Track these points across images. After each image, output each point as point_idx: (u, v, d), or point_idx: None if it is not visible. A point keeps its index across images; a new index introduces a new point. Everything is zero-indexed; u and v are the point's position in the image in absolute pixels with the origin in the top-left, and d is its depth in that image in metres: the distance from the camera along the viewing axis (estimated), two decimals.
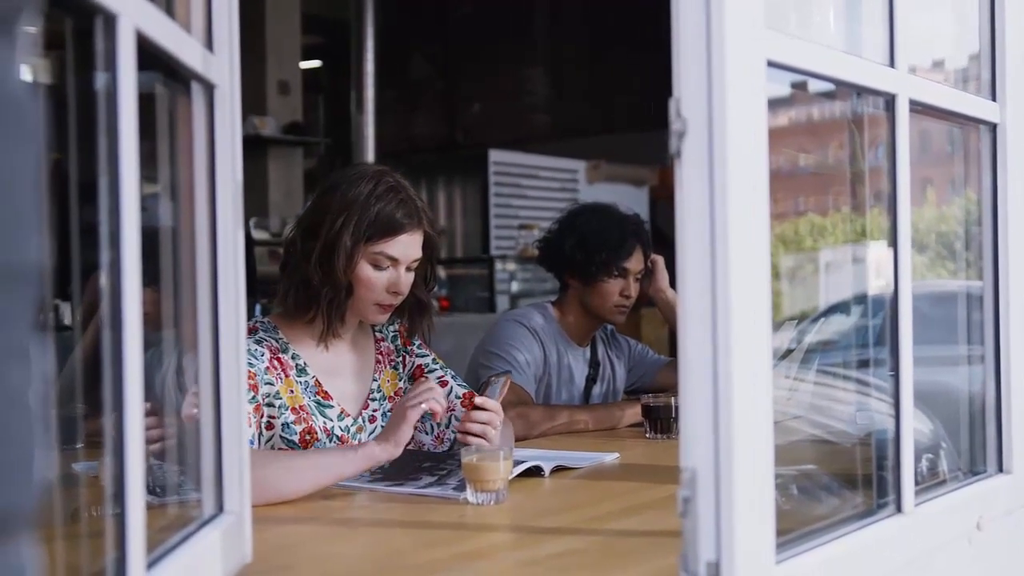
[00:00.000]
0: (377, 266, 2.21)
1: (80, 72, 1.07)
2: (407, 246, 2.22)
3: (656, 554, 1.54)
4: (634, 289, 3.04)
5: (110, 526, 1.05)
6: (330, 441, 2.22)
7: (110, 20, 1.00)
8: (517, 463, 2.05)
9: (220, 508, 1.39)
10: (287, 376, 2.21)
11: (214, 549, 1.31)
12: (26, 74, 0.58)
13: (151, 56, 1.13)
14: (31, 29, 0.60)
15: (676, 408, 2.66)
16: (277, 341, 2.23)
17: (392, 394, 2.38)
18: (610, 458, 2.36)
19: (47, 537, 0.87)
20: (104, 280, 1.02)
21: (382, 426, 2.30)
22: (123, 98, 1.02)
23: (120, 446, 1.02)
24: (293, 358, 2.24)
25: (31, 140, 0.57)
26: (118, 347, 1.02)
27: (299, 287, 2.22)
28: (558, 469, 2.20)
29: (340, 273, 2.18)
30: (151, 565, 1.11)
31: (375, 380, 2.36)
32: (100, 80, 1.03)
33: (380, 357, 2.39)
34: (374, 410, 2.34)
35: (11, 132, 0.56)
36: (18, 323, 0.57)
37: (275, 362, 2.19)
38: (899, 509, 1.52)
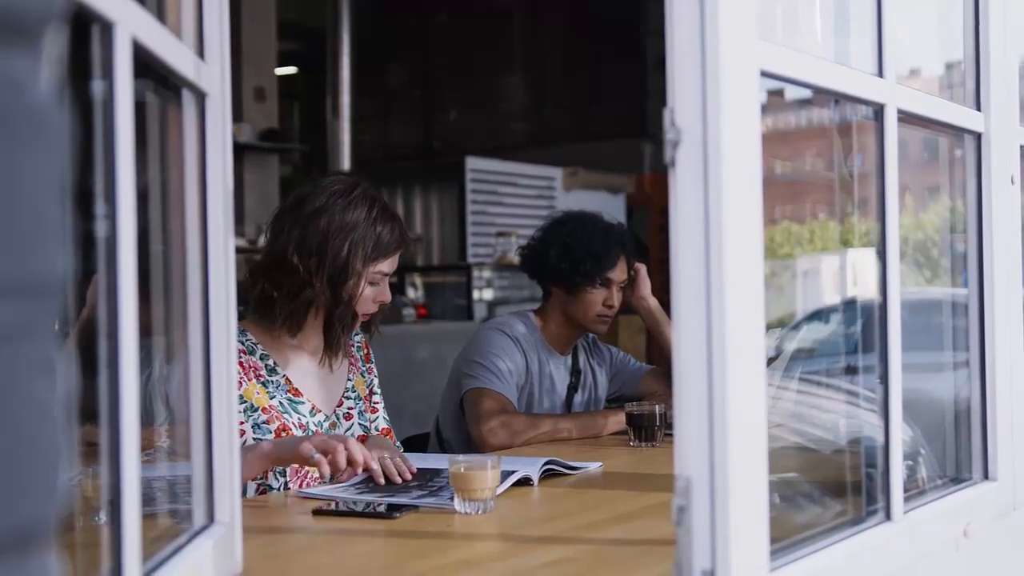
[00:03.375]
0: (373, 283, 2.32)
1: (73, 79, 1.06)
2: (396, 261, 2.37)
3: (648, 562, 1.55)
4: (617, 299, 3.04)
5: (103, 537, 1.04)
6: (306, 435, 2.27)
7: (107, 28, 1.00)
8: (505, 474, 2.05)
9: (211, 519, 1.38)
10: (251, 379, 2.26)
11: (206, 560, 1.30)
12: (51, 85, 0.58)
13: (143, 64, 1.13)
14: (56, 41, 0.60)
15: (660, 416, 2.66)
16: (243, 343, 2.25)
17: (364, 396, 2.47)
18: (594, 467, 2.36)
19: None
20: (101, 286, 1.01)
21: (359, 423, 2.42)
22: (120, 106, 1.01)
23: (116, 456, 1.01)
24: (262, 359, 2.30)
25: (57, 151, 0.57)
26: (114, 356, 1.01)
27: (303, 308, 2.28)
28: (548, 474, 2.20)
29: (351, 296, 2.28)
30: None
31: (349, 380, 2.45)
32: (96, 87, 1.02)
33: (352, 360, 2.48)
34: (349, 408, 2.43)
35: (37, 144, 0.55)
36: (43, 334, 0.57)
37: (238, 365, 2.20)
38: (888, 517, 1.53)
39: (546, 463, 2.21)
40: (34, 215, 0.55)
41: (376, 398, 2.53)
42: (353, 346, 2.50)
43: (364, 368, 2.51)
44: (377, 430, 2.43)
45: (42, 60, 0.57)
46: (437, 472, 2.19)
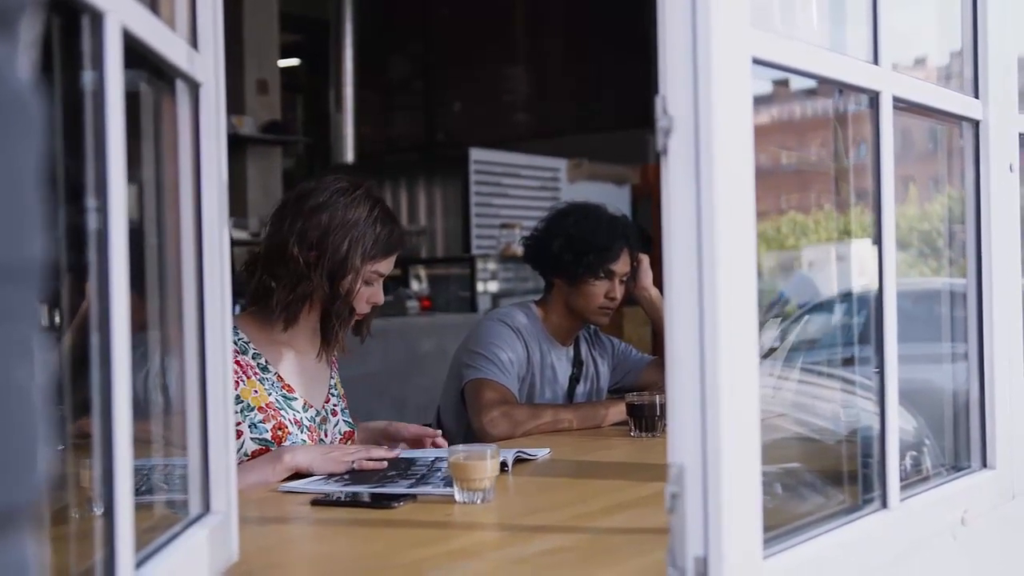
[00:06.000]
0: (367, 282, 2.34)
1: (65, 70, 1.07)
2: (392, 263, 2.39)
3: (643, 551, 1.55)
4: (619, 291, 3.04)
5: (97, 527, 1.04)
6: (300, 432, 2.30)
7: (97, 18, 1.00)
8: None
9: (207, 507, 1.38)
10: (249, 378, 2.28)
11: (201, 548, 1.31)
12: (28, 72, 0.58)
13: (136, 54, 1.13)
14: (32, 27, 0.60)
15: (660, 406, 2.66)
16: (235, 343, 2.26)
17: (342, 394, 2.52)
18: (542, 454, 2.38)
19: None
20: (91, 281, 1.02)
21: (344, 420, 2.46)
22: (110, 96, 1.01)
23: (108, 447, 1.01)
24: (254, 357, 2.32)
25: (34, 137, 0.57)
26: (106, 348, 1.01)
27: (300, 300, 2.30)
28: (519, 461, 2.25)
29: (347, 291, 2.30)
30: (139, 565, 1.10)
31: (332, 378, 2.49)
32: (86, 78, 1.02)
33: (333, 360, 2.51)
34: (334, 405, 2.46)
35: (15, 129, 0.56)
36: (23, 319, 0.57)
37: (234, 365, 2.22)
38: (884, 504, 1.53)
39: (516, 457, 2.25)
40: (11, 201, 0.56)
41: (340, 402, 2.56)
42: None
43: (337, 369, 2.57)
44: (340, 433, 2.44)
45: (19, 47, 0.58)
46: (412, 461, 2.22)
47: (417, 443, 2.44)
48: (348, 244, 2.27)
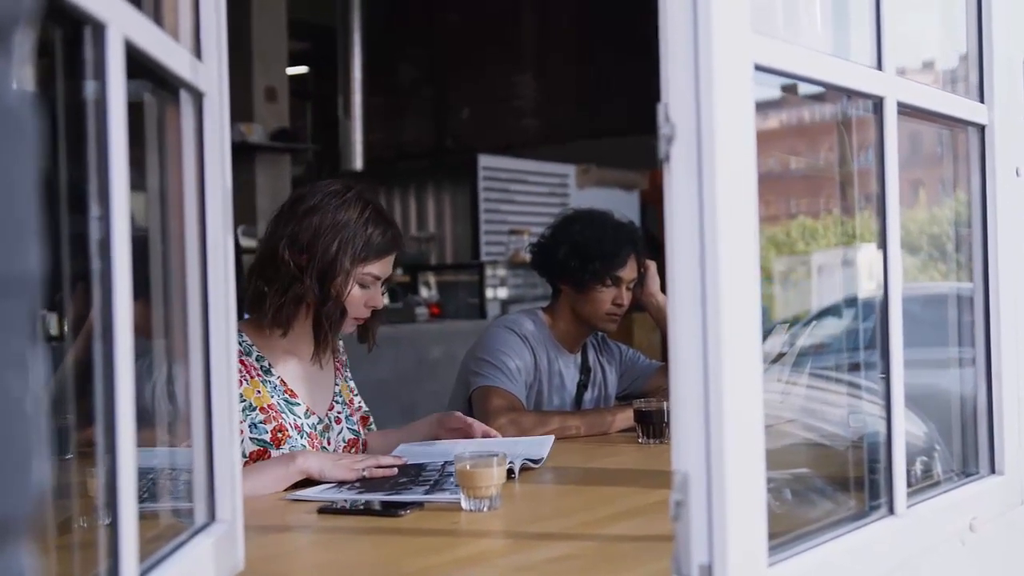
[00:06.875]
0: (362, 285, 2.34)
1: (67, 80, 1.07)
2: (389, 265, 2.38)
3: (649, 558, 1.54)
4: (626, 297, 3.04)
5: (102, 536, 1.04)
6: (300, 437, 2.31)
7: (99, 29, 1.00)
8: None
9: (212, 517, 1.38)
10: (252, 378, 2.29)
11: (206, 558, 1.31)
12: (23, 83, 0.59)
13: (139, 64, 1.13)
14: (27, 39, 0.60)
15: (668, 412, 2.65)
16: (240, 345, 2.27)
17: (348, 401, 2.51)
18: (547, 447, 2.39)
19: (39, 547, 0.87)
20: (95, 290, 1.02)
21: (348, 428, 2.46)
22: (112, 107, 1.02)
23: (112, 456, 1.01)
24: (258, 360, 2.33)
25: (28, 149, 0.58)
26: (109, 357, 1.01)
27: (292, 303, 2.30)
28: (525, 469, 2.24)
29: (338, 293, 2.29)
30: (143, 574, 1.10)
31: (336, 385, 2.49)
32: (88, 88, 1.03)
33: (338, 366, 2.52)
34: (338, 412, 2.46)
35: (9, 142, 0.56)
36: (17, 331, 0.57)
37: (238, 364, 2.23)
38: (891, 511, 1.53)
39: (522, 465, 2.24)
40: (6, 214, 0.56)
41: (358, 400, 2.57)
42: (338, 351, 2.55)
43: (346, 374, 2.56)
44: (344, 441, 2.45)
45: (13, 60, 0.58)
46: (422, 467, 2.22)
47: (465, 433, 2.47)
48: (338, 245, 2.28)
